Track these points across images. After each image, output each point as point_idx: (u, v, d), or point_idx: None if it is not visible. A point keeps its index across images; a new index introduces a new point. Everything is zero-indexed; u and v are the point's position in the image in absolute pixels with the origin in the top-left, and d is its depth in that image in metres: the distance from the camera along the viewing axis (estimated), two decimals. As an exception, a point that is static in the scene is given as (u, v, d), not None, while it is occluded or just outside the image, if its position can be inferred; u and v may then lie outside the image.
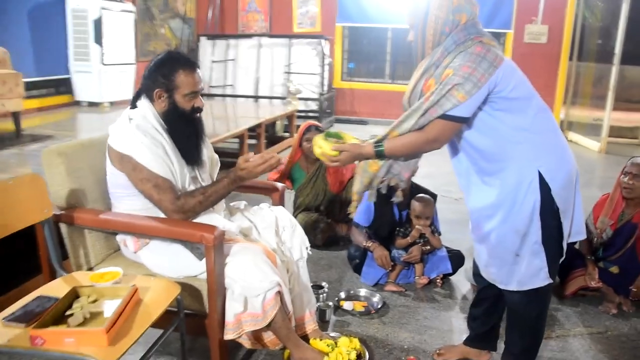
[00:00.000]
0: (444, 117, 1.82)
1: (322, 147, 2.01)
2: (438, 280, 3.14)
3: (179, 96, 1.99)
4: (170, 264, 2.00)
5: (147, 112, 2.01)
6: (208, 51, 8.58)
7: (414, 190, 3.25)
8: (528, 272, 1.97)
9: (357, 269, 3.21)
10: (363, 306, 2.80)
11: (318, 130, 3.60)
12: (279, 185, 2.57)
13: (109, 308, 1.59)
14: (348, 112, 9.37)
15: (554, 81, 8.65)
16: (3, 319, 1.54)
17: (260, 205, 2.43)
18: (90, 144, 2.18)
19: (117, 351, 1.43)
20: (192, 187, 2.07)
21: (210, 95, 8.35)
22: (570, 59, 8.56)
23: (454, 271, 3.19)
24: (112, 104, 6.41)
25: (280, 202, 2.51)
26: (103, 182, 2.10)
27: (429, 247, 3.14)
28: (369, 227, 3.25)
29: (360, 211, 3.25)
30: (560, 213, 1.91)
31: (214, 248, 1.83)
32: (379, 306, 2.81)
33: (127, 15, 6.57)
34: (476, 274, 2.30)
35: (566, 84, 8.68)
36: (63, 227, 2.04)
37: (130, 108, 2.05)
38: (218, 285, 1.89)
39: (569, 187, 1.93)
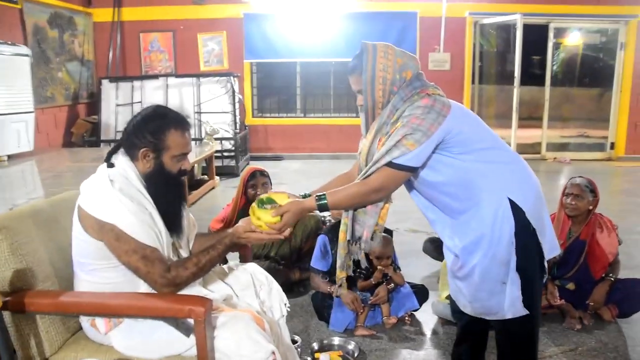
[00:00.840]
0: (390, 164, 1.83)
1: (260, 217, 1.91)
2: (407, 318, 3.06)
3: (167, 157, 1.81)
4: (149, 344, 1.73)
5: (129, 173, 1.80)
6: (111, 94, 8.11)
7: None
8: (509, 300, 1.95)
9: (323, 316, 3.05)
10: (339, 356, 2.64)
11: (262, 175, 3.45)
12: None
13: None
14: (262, 149, 9.23)
15: (459, 105, 9.06)
16: None
17: (228, 263, 2.24)
18: (34, 211, 1.87)
19: None
20: (172, 256, 1.85)
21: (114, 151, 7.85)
22: (473, 82, 9.02)
23: (420, 306, 3.12)
24: (10, 157, 5.83)
25: (249, 257, 2.32)
26: (55, 255, 1.83)
27: (392, 285, 3.06)
28: (327, 271, 3.13)
29: (317, 255, 3.17)
30: (538, 233, 1.93)
31: (204, 322, 1.60)
32: (356, 354, 2.66)
33: (22, 59, 6.05)
34: (456, 310, 2.25)
35: (471, 106, 9.14)
36: (6, 315, 1.71)
37: (107, 166, 1.82)
38: (210, 362, 1.66)
39: (540, 205, 1.97)
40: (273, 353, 1.76)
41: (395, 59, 1.90)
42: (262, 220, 1.90)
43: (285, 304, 2.15)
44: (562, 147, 9.54)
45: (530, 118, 9.80)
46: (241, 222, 1.97)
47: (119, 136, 7.95)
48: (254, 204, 1.97)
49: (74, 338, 1.86)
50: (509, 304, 1.94)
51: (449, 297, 2.54)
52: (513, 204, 1.87)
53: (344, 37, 8.76)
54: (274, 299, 2.12)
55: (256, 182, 3.40)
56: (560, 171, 8.07)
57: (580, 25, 9.46)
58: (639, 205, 6.04)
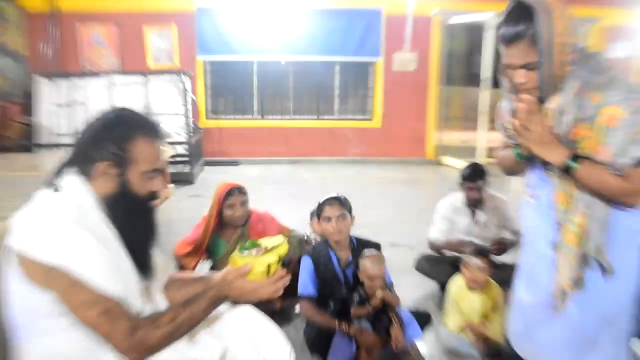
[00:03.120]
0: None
1: (262, 263, 1.63)
2: (411, 350, 2.63)
3: (134, 174, 1.48)
4: None
5: (84, 198, 1.43)
6: (48, 93, 7.40)
7: (358, 244, 2.86)
8: None
9: (317, 351, 2.64)
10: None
11: (241, 192, 3.07)
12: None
13: None
14: (217, 153, 8.74)
15: (425, 107, 8.82)
16: None
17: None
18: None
19: None
20: (144, 305, 1.53)
21: (58, 146, 7.15)
22: (439, 83, 8.80)
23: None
24: None
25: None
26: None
27: (396, 319, 2.64)
28: (317, 298, 2.74)
29: (305, 281, 2.77)
30: None
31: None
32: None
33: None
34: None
35: (437, 108, 8.92)
36: None
37: (53, 190, 1.45)
38: None
39: None
40: None
41: (569, 17, 1.56)
42: (267, 264, 1.63)
43: (291, 355, 1.81)
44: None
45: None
46: (230, 267, 1.63)
47: (60, 140, 7.29)
48: (234, 253, 1.68)
49: None
50: None
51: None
52: None
53: (305, 35, 8.39)
54: (279, 353, 1.76)
55: (234, 202, 3.03)
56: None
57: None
58: None
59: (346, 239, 2.82)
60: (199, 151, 8.20)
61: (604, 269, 1.65)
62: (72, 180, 1.46)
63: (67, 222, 1.36)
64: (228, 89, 9.04)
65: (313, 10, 8.30)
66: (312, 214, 3.63)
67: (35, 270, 1.33)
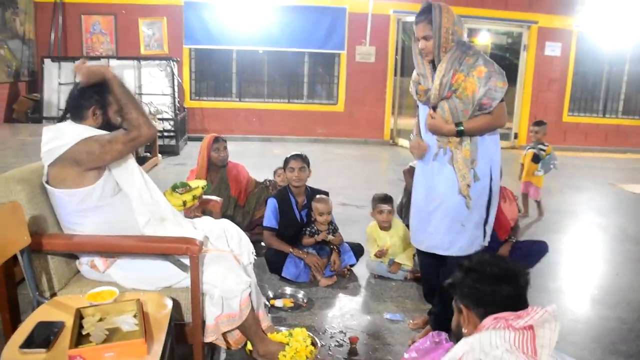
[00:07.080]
0: (502, 100, 2.27)
1: (169, 201, 2.26)
2: (346, 272, 3.42)
3: (111, 112, 2.02)
4: (144, 277, 2.00)
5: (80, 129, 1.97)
6: (54, 73, 7.94)
7: (310, 192, 3.53)
8: (469, 241, 2.38)
9: (275, 269, 3.35)
10: (291, 302, 2.97)
11: (223, 140, 3.82)
12: (218, 199, 2.64)
13: (125, 323, 1.59)
14: (199, 131, 9.26)
15: (383, 95, 9.58)
16: (20, 347, 1.46)
17: (201, 217, 2.49)
18: (31, 171, 2.05)
19: (154, 358, 1.46)
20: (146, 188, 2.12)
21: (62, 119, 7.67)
22: (395, 74, 9.53)
23: (357, 261, 3.49)
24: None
25: (218, 214, 2.59)
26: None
27: (337, 248, 3.40)
28: (278, 229, 3.40)
29: (269, 216, 3.43)
30: (492, 203, 2.40)
31: (198, 258, 1.89)
32: (305, 300, 3.01)
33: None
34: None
35: (392, 96, 9.67)
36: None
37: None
38: (200, 293, 1.95)
39: (499, 186, 2.46)
40: (250, 285, 2.09)
41: (454, 15, 2.29)
42: (171, 203, 2.28)
43: (252, 253, 2.45)
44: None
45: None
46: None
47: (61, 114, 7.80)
48: (166, 191, 2.31)
49: (76, 277, 2.08)
50: (469, 244, 2.42)
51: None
52: (490, 172, 2.39)
53: (279, 28, 9.02)
54: (243, 248, 2.39)
55: (219, 146, 3.78)
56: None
57: (489, 27, 10.17)
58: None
59: (303, 186, 3.46)
60: (184, 128, 8.79)
61: (474, 176, 2.32)
62: (69, 123, 2.00)
63: (75, 125, 1.96)
64: (210, 74, 9.62)
65: (286, 6, 8.94)
66: (274, 172, 4.36)
67: (72, 160, 1.87)
